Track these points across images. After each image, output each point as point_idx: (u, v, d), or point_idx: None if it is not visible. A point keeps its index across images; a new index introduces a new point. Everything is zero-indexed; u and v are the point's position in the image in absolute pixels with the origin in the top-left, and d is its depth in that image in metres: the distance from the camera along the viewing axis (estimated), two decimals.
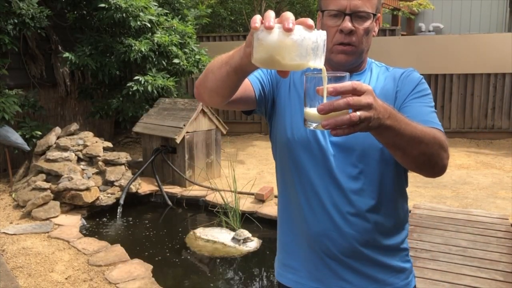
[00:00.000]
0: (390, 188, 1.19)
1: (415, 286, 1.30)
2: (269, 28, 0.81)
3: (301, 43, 0.82)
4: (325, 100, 0.82)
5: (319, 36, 0.84)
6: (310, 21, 0.82)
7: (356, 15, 1.13)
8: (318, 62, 0.84)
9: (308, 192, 1.20)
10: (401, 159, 1.00)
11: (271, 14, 0.83)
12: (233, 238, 4.00)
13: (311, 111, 0.84)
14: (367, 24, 1.14)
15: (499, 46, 7.33)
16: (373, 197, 1.17)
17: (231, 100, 1.13)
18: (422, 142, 0.95)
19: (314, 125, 0.84)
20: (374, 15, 1.16)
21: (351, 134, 0.82)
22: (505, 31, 10.99)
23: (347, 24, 1.12)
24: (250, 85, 1.21)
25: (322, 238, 1.20)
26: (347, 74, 0.84)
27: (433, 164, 1.00)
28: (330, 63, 1.20)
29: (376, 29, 1.21)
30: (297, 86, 1.25)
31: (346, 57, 1.16)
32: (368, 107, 0.80)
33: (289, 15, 0.82)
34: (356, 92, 0.79)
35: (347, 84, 0.79)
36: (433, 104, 1.17)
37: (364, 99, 0.80)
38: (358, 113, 0.80)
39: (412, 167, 1.03)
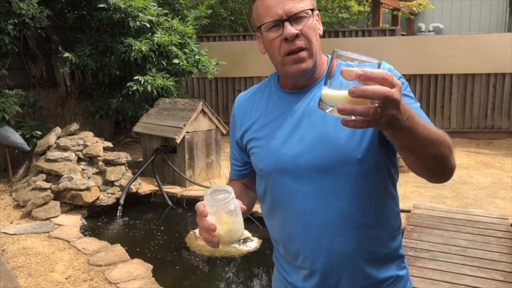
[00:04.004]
0: (375, 200, 1.12)
1: None
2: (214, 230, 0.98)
3: (234, 223, 1.00)
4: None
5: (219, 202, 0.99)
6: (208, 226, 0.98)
7: (295, 18, 1.07)
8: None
9: (290, 221, 1.15)
10: (413, 162, 0.95)
11: (205, 224, 0.98)
12: None
13: (330, 92, 0.79)
14: (309, 22, 1.09)
15: (499, 46, 7.33)
16: (359, 213, 1.10)
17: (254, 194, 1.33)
18: (436, 145, 0.90)
19: (330, 108, 0.79)
20: (312, 10, 1.10)
21: (362, 128, 0.77)
22: (505, 31, 10.98)
23: (290, 29, 1.06)
24: (242, 178, 1.33)
25: (314, 261, 1.14)
26: (381, 62, 0.79)
27: (443, 168, 0.96)
28: (287, 76, 1.14)
29: (321, 27, 1.14)
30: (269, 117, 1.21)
31: (303, 64, 1.09)
32: (394, 105, 0.75)
33: (201, 225, 0.99)
34: (385, 83, 0.74)
35: (379, 71, 0.74)
36: (419, 104, 1.11)
37: (395, 95, 0.74)
38: (380, 109, 0.74)
39: (423, 170, 0.97)
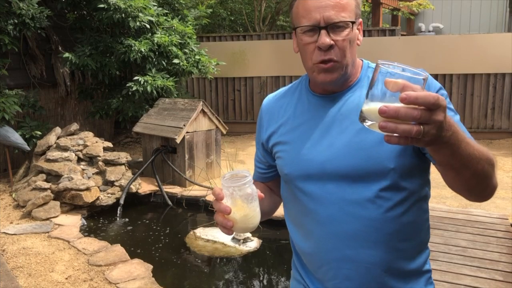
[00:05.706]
0: (405, 212, 1.06)
1: None
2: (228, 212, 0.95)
3: (248, 210, 0.96)
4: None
5: (237, 187, 0.96)
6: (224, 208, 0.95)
7: (333, 27, 1.01)
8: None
9: (315, 229, 1.11)
10: (452, 179, 0.91)
11: (220, 206, 0.95)
12: (233, 238, 4.00)
13: (371, 106, 0.74)
14: (346, 33, 1.02)
15: (499, 46, 7.34)
16: (387, 225, 1.05)
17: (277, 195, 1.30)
18: (479, 163, 0.86)
19: (370, 123, 0.75)
20: (354, 22, 1.03)
21: (405, 145, 0.74)
22: (505, 31, 10.99)
23: (325, 39, 1.01)
24: (266, 181, 1.31)
25: (337, 273, 1.10)
26: (427, 76, 0.74)
27: (484, 187, 0.92)
28: (315, 83, 1.12)
29: (360, 37, 1.08)
30: (297, 119, 1.17)
31: (330, 75, 1.05)
32: (436, 125, 0.72)
33: (216, 207, 0.96)
34: (431, 107, 0.70)
35: (424, 96, 0.69)
36: (458, 117, 1.03)
37: (436, 117, 0.71)
38: (423, 127, 0.71)
39: (462, 189, 0.94)
